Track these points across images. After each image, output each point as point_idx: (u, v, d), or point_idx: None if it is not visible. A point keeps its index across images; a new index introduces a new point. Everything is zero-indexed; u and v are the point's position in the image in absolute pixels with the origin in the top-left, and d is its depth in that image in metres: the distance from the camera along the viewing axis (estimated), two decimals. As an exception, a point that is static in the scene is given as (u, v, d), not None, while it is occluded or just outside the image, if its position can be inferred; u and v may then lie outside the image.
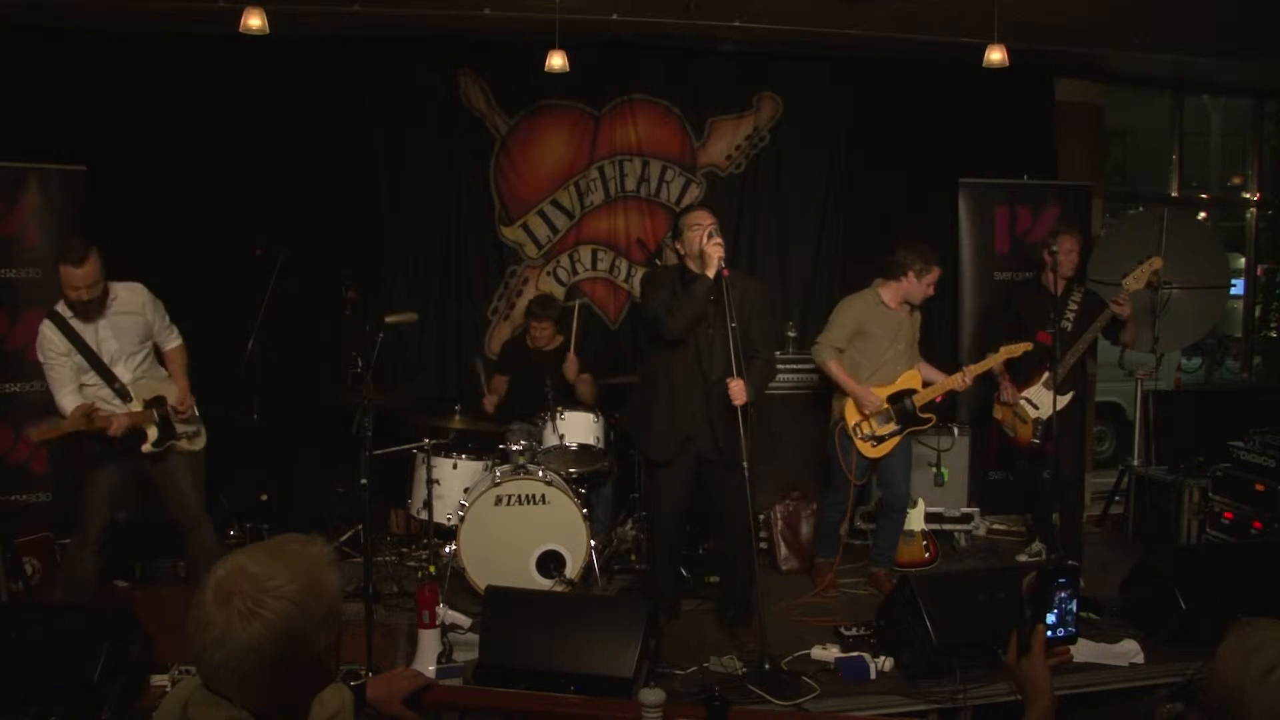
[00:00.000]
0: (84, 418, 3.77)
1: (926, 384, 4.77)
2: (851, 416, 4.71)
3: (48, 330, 3.87)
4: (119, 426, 3.84)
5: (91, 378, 3.91)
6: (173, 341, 4.21)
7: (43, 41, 5.20)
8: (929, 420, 4.78)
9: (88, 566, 4.01)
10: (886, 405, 4.68)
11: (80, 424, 3.76)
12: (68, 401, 3.82)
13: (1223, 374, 8.04)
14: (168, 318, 4.18)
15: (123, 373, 3.96)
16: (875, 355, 4.71)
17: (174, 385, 4.12)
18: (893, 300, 4.74)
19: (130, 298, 4.02)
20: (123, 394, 3.95)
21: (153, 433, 3.97)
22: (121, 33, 5.24)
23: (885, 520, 4.92)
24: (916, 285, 4.71)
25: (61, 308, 3.89)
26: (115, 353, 3.95)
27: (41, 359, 3.89)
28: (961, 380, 4.68)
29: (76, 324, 3.88)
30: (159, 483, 4.10)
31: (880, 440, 4.72)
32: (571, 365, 5.19)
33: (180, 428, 4.07)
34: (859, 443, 4.71)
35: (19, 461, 5.06)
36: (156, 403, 4.01)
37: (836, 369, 4.69)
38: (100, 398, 3.91)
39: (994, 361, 4.81)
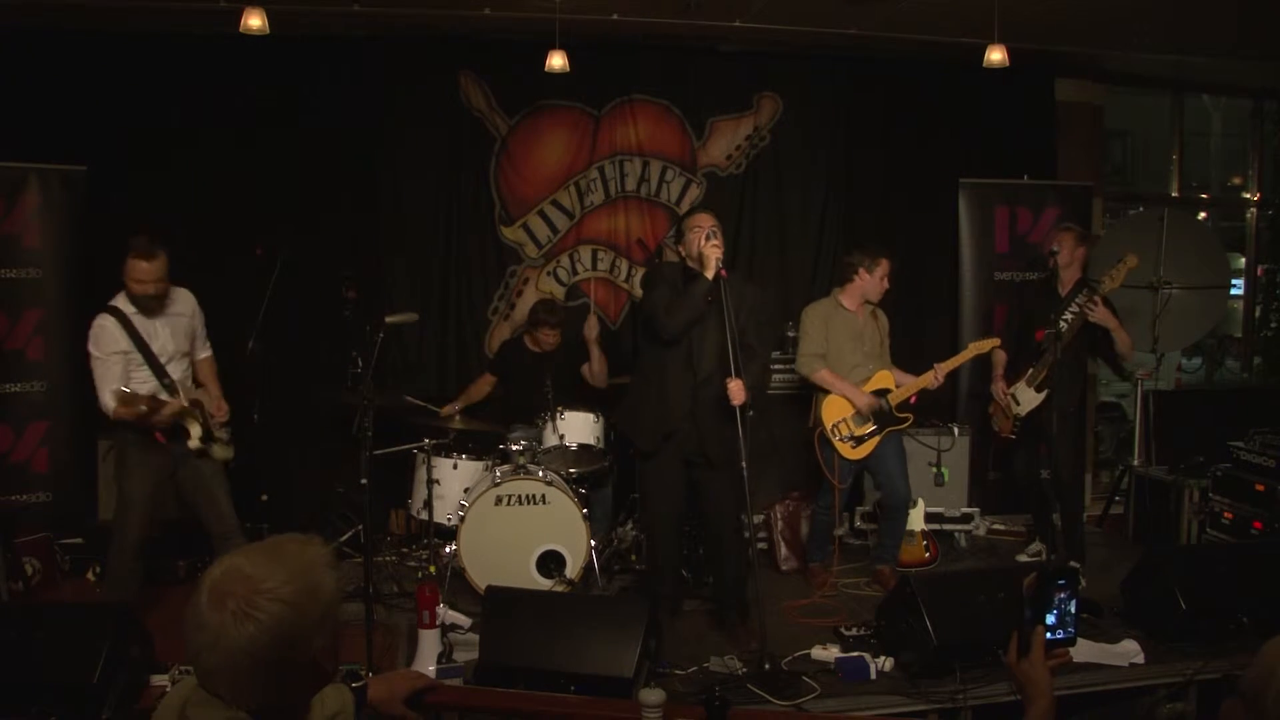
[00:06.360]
0: (145, 398, 3.74)
1: (898, 386, 4.80)
2: (829, 419, 4.72)
3: (108, 324, 3.84)
4: (170, 410, 3.82)
5: (144, 374, 3.89)
6: (205, 351, 4.24)
7: (43, 41, 5.20)
8: (906, 419, 4.80)
9: (131, 568, 3.98)
10: (878, 400, 4.70)
11: (141, 404, 3.73)
12: (111, 400, 3.77)
13: (1222, 374, 8.03)
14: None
15: (174, 371, 3.97)
16: (841, 358, 4.75)
17: (207, 393, 4.13)
18: (852, 303, 4.80)
19: (185, 300, 4.09)
20: (172, 390, 3.94)
21: (196, 430, 3.96)
22: (121, 33, 5.24)
23: (888, 519, 4.92)
24: (870, 280, 4.75)
25: (121, 302, 3.89)
26: (171, 352, 3.97)
27: (94, 351, 3.84)
28: (933, 378, 4.71)
29: (137, 320, 3.88)
30: (193, 492, 4.05)
31: (860, 441, 4.74)
32: (593, 327, 5.24)
33: (216, 432, 4.07)
34: (838, 444, 4.72)
35: (19, 461, 5.06)
36: (196, 405, 4.01)
37: (827, 375, 4.71)
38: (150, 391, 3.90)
39: (963, 358, 4.86)
